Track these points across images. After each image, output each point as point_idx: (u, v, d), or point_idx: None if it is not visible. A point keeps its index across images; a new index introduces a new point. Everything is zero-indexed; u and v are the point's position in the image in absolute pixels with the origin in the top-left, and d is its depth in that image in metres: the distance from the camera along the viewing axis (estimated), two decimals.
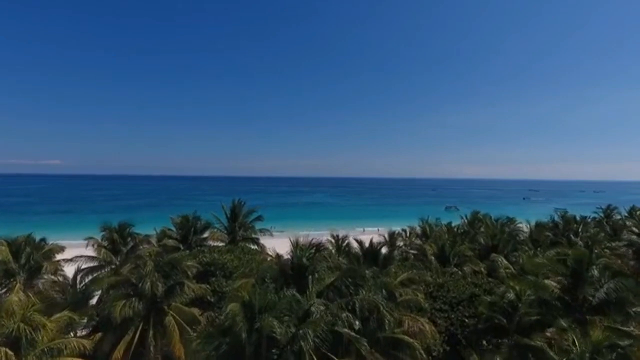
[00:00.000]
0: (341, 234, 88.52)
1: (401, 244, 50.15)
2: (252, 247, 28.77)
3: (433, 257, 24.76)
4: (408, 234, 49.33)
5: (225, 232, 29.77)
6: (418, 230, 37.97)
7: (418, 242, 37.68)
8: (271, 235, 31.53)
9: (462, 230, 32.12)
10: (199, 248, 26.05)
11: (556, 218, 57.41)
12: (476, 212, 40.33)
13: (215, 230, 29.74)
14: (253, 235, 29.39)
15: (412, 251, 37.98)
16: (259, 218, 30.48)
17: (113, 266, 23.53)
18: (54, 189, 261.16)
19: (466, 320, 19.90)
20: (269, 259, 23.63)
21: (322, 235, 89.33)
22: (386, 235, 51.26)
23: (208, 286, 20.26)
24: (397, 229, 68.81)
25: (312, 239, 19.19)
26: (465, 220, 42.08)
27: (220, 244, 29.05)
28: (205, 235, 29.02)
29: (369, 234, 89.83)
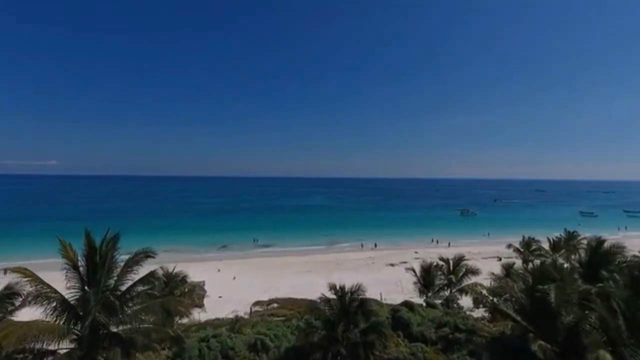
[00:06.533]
0: (337, 248, 69.86)
1: (441, 281, 32.11)
2: None
3: None
4: (452, 268, 31.16)
5: (62, 314, 11.84)
6: (497, 268, 19.03)
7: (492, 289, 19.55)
8: (201, 306, 13.58)
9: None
10: None
11: None
12: (601, 240, 21.69)
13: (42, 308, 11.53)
14: (128, 335, 11.02)
15: (485, 333, 19.72)
16: (151, 277, 12.52)
17: None
18: (32, 191, 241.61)
19: None
20: None
21: (315, 250, 71.30)
22: (416, 270, 33.15)
23: None
24: (431, 256, 50.12)
25: None
26: (582, 253, 23.32)
27: None
28: None
29: (368, 250, 71.60)
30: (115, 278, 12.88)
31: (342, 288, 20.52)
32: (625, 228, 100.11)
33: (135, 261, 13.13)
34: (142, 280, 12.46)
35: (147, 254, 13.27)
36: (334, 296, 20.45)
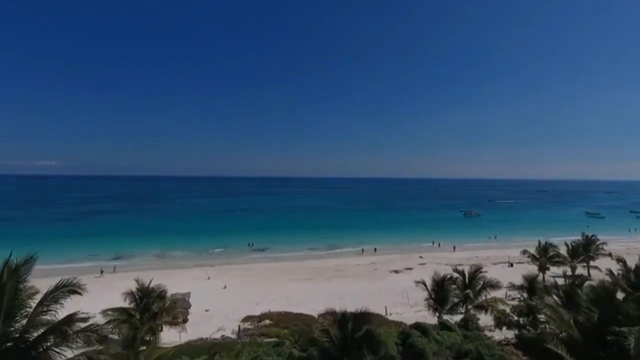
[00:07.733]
0: (337, 253, 65.48)
1: (456, 296, 28.41)
2: None
3: None
4: (468, 281, 27.35)
5: None
6: (510, 275, 15.27)
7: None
8: (183, 323, 11.98)
9: None
10: None
11: None
12: None
13: None
14: None
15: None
16: (65, 326, 9.04)
17: None
18: (21, 192, 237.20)
19: None
20: None
21: (314, 255, 66.78)
22: (427, 283, 29.31)
23: None
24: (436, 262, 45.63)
25: None
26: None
27: None
28: None
29: (369, 255, 67.23)
30: (24, 323, 9.09)
31: (344, 314, 16.79)
32: (635, 230, 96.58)
33: (54, 298, 9.32)
34: (52, 330, 8.64)
35: (71, 288, 9.47)
36: (332, 318, 16.79)
